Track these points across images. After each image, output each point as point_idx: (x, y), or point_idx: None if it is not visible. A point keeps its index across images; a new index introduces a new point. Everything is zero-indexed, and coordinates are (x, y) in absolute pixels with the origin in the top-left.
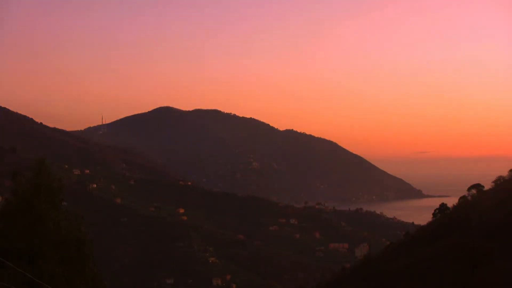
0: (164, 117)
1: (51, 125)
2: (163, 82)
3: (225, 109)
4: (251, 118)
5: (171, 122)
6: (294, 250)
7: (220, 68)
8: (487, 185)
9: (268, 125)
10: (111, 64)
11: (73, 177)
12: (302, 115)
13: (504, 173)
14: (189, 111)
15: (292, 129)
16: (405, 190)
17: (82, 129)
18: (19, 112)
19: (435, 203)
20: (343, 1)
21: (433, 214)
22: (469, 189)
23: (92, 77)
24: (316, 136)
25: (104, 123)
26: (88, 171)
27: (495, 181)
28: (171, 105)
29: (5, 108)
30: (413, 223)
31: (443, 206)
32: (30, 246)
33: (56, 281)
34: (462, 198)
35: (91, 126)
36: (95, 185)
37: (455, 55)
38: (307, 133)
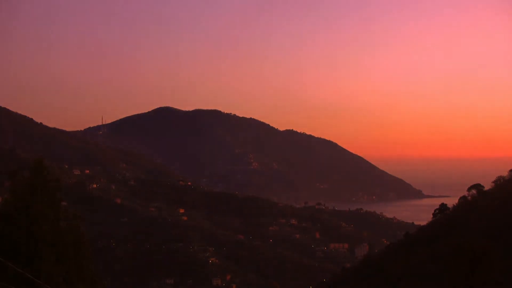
0: (164, 117)
1: (51, 125)
2: (163, 82)
3: (225, 109)
4: (251, 118)
5: (171, 122)
6: (294, 250)
7: (220, 68)
8: (487, 185)
9: (268, 125)
10: (111, 64)
11: (73, 177)
12: (302, 115)
13: (504, 173)
14: (189, 111)
15: (292, 129)
16: (405, 190)
17: (82, 129)
18: (19, 112)
19: (435, 203)
20: (343, 1)
21: (433, 214)
22: (469, 189)
23: (93, 77)
24: (316, 136)
25: (104, 123)
26: (88, 171)
27: (495, 181)
28: (171, 105)
29: (5, 108)
30: (413, 223)
31: (443, 206)
32: (27, 246)
33: (54, 280)
34: (462, 198)
35: (91, 126)
36: (95, 185)
37: (456, 55)
38: (307, 133)
